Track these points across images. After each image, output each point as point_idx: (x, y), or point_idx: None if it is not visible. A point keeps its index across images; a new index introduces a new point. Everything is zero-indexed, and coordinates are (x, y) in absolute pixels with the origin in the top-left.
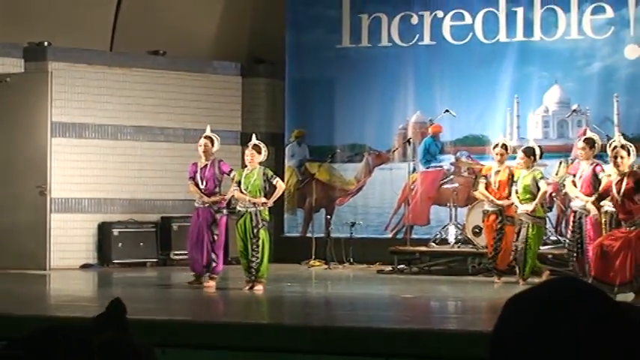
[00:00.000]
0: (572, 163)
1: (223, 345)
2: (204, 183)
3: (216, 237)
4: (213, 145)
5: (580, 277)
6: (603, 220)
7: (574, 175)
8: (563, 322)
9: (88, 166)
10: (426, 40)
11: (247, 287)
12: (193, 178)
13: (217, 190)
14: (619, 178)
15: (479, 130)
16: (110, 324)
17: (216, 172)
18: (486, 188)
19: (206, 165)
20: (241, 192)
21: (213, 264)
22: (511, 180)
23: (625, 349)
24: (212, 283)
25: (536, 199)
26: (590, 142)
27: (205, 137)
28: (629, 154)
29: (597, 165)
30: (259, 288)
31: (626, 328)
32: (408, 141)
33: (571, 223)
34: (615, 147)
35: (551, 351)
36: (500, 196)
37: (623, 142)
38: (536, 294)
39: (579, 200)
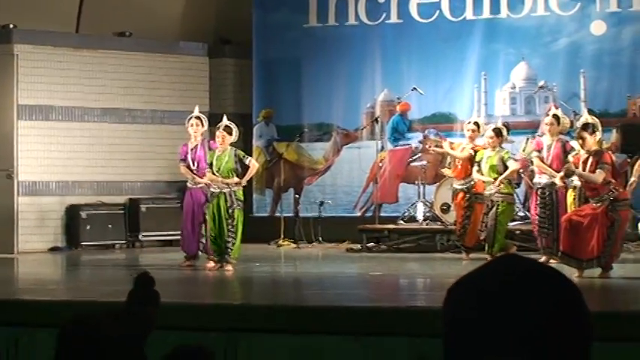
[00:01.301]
0: (534, 138)
1: (193, 326)
2: (196, 164)
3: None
4: (202, 125)
5: (548, 252)
6: (572, 195)
7: (538, 151)
8: (510, 304)
9: (55, 148)
10: (393, 19)
11: (216, 267)
12: (184, 160)
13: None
14: (586, 156)
15: (446, 107)
16: (140, 299)
17: (207, 153)
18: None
19: (196, 146)
20: (213, 174)
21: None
22: (472, 159)
23: (570, 328)
24: (230, 267)
25: (502, 175)
26: (557, 118)
27: (196, 117)
28: (594, 132)
29: (567, 142)
30: (229, 269)
31: (571, 308)
32: (376, 119)
33: (539, 200)
34: (577, 128)
35: (501, 335)
36: (463, 174)
37: (589, 119)
38: (480, 277)
39: (546, 177)
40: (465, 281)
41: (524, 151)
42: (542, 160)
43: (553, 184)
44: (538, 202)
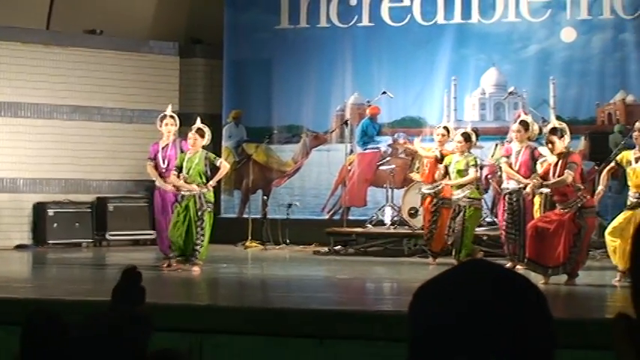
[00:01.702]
0: (503, 144)
1: (159, 326)
2: (167, 162)
3: None
4: (175, 124)
5: (514, 258)
6: (538, 201)
7: (507, 157)
8: (475, 309)
9: (23, 145)
10: (365, 22)
11: (178, 267)
12: (153, 159)
13: None
14: (556, 160)
15: (416, 111)
16: (126, 295)
17: (178, 152)
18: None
19: (167, 144)
20: (178, 176)
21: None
22: (439, 162)
23: (534, 334)
24: (197, 269)
25: (457, 181)
26: (525, 125)
27: (169, 117)
28: (562, 136)
29: (535, 149)
30: (196, 269)
31: (535, 314)
32: (346, 122)
33: (506, 205)
34: (546, 133)
35: (466, 339)
36: (431, 178)
37: (557, 124)
38: (446, 281)
39: (514, 182)
40: (431, 285)
41: (492, 156)
42: (510, 165)
43: (521, 190)
44: (505, 208)
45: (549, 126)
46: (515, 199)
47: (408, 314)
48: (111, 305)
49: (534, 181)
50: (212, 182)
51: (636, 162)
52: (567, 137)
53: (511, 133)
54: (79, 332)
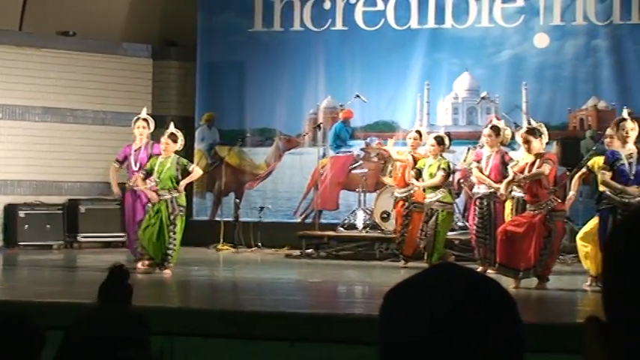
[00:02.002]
0: (475, 149)
1: None
2: (138, 165)
3: None
4: (149, 127)
5: (485, 262)
6: (510, 205)
7: (478, 162)
8: (445, 312)
9: None
10: (338, 26)
11: (146, 269)
12: (121, 162)
13: None
14: (533, 159)
15: (389, 115)
16: (112, 293)
17: (149, 156)
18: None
19: (140, 147)
20: (144, 179)
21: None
22: (413, 166)
23: (504, 338)
24: (168, 271)
25: (428, 182)
26: (496, 130)
27: (143, 119)
28: (540, 136)
29: (506, 154)
30: (167, 272)
31: (505, 318)
32: (319, 126)
33: (477, 210)
34: (522, 134)
35: (436, 342)
36: (404, 182)
37: (534, 124)
38: (417, 285)
39: (485, 187)
40: (401, 288)
41: (465, 161)
42: (481, 170)
43: (492, 194)
44: (476, 212)
45: (525, 126)
46: (485, 204)
47: (379, 318)
48: (99, 304)
49: (512, 174)
50: (182, 184)
51: None
52: (545, 137)
53: (483, 137)
54: (77, 334)
